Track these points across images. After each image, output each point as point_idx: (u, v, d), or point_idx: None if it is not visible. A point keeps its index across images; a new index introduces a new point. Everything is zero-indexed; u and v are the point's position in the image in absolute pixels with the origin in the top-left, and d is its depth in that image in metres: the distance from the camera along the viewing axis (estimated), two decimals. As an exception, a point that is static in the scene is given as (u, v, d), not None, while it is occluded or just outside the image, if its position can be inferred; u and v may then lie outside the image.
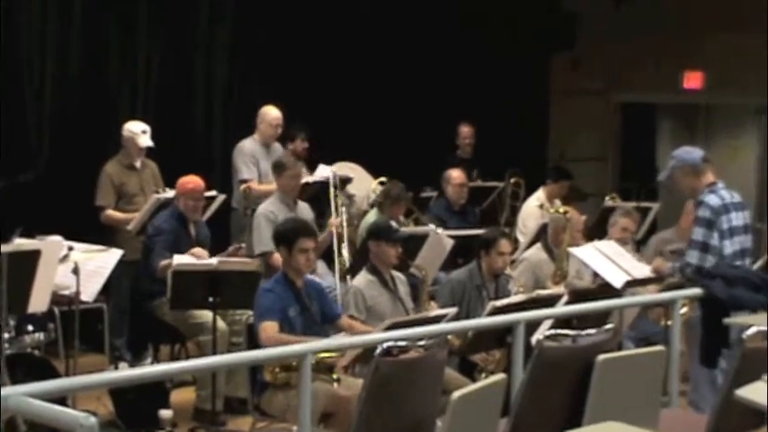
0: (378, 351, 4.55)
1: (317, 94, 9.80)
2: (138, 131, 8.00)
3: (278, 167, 7.96)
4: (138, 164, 8.05)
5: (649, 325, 7.22)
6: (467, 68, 11.19)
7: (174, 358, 7.52)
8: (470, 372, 6.45)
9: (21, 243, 5.93)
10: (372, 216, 8.24)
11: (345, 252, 7.76)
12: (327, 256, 7.83)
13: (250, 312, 6.19)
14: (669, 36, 11.61)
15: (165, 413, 6.37)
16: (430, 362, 4.75)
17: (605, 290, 6.58)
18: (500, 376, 4.50)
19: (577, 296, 6.29)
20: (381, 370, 4.48)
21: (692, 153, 6.49)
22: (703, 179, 6.38)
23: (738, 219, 6.33)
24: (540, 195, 9.63)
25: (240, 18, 9.77)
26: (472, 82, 11.16)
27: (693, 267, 6.18)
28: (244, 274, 6.72)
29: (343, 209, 8.06)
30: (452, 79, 11.05)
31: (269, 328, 5.76)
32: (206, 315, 6.80)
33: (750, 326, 5.06)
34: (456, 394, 4.02)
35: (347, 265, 7.64)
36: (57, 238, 6.31)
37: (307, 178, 8.30)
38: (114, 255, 6.69)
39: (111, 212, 7.91)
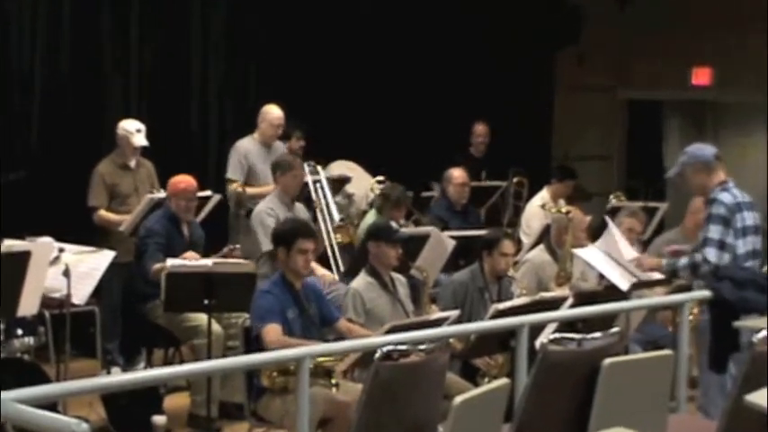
0: (377, 355, 4.48)
1: (314, 93, 9.77)
2: (133, 130, 7.94)
3: (281, 166, 7.86)
4: (132, 163, 8.00)
5: (657, 328, 7.21)
6: (469, 65, 11.19)
7: (167, 362, 7.46)
8: (473, 376, 6.41)
9: (10, 244, 5.88)
10: (371, 217, 8.20)
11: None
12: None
13: (246, 315, 6.12)
14: (676, 30, 11.49)
15: (159, 419, 6.34)
16: (431, 366, 4.70)
17: (611, 292, 6.52)
18: (503, 381, 4.47)
19: (583, 298, 6.22)
20: (381, 374, 4.42)
21: (705, 150, 6.40)
22: (715, 177, 6.29)
23: (750, 219, 6.25)
24: (543, 195, 9.57)
25: (236, 14, 9.73)
26: (475, 79, 11.15)
27: (712, 266, 6.06)
28: (240, 275, 6.65)
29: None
30: (455, 76, 11.03)
31: (272, 330, 5.68)
32: (201, 318, 6.74)
33: (760, 329, 4.95)
34: (458, 399, 3.99)
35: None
36: (47, 240, 6.25)
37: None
38: (106, 256, 6.61)
39: (103, 213, 7.86)
